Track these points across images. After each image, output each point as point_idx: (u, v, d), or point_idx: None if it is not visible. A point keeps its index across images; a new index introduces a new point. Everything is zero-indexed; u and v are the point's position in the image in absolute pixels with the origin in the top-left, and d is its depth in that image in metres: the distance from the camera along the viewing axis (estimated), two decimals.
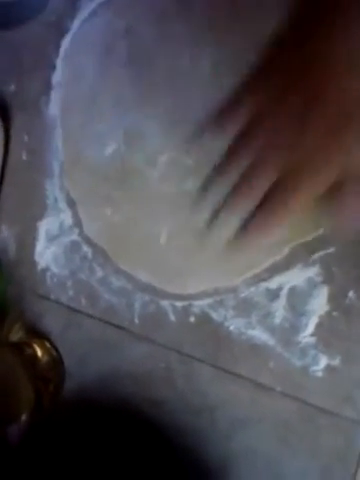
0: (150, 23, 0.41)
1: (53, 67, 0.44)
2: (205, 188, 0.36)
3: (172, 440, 0.40)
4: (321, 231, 0.35)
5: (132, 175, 0.41)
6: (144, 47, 0.40)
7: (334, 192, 0.30)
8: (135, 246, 0.41)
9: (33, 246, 0.46)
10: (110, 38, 0.42)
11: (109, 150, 0.42)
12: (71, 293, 0.44)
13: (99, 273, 0.43)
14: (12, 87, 0.46)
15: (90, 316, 0.43)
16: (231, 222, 0.35)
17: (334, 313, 0.34)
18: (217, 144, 0.36)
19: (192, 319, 0.39)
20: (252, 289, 0.37)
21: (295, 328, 0.35)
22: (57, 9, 0.44)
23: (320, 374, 0.35)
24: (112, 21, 0.42)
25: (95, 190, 0.43)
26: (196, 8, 0.39)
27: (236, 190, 0.33)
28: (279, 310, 0.36)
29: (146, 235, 0.40)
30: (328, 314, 0.34)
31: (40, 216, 0.45)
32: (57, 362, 0.45)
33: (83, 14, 0.43)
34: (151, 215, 0.40)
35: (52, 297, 0.45)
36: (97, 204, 0.43)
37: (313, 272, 0.35)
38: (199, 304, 0.39)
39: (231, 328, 0.37)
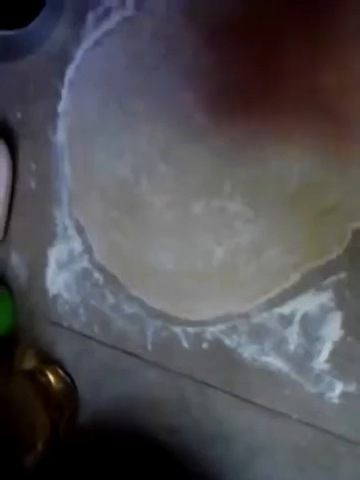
0: (154, 52, 0.41)
1: (59, 96, 0.45)
2: None
3: (188, 467, 0.40)
4: (333, 255, 0.34)
5: (139, 202, 0.41)
6: (148, 76, 0.40)
7: None
8: (146, 272, 0.41)
9: (44, 273, 0.46)
10: (114, 67, 0.42)
11: (116, 177, 0.42)
12: (83, 320, 0.44)
13: (111, 300, 0.43)
14: (18, 115, 0.47)
15: (103, 343, 0.43)
16: None
17: (348, 339, 0.34)
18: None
19: (205, 345, 0.39)
20: (265, 315, 0.36)
21: (309, 354, 0.35)
22: (61, 39, 0.45)
23: (336, 401, 0.34)
24: (116, 50, 0.42)
25: (104, 217, 0.43)
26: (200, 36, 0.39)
27: None
28: (293, 336, 0.35)
29: (156, 261, 0.40)
30: (342, 340, 0.34)
31: (50, 243, 0.45)
32: (71, 389, 0.45)
33: (87, 44, 0.44)
34: (159, 241, 0.40)
35: (64, 324, 0.45)
36: (106, 231, 0.43)
37: (326, 297, 0.34)
38: (212, 330, 0.38)
39: (245, 355, 0.37)
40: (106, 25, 0.43)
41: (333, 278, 0.34)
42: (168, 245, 0.40)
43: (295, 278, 0.35)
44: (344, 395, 0.34)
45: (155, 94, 0.40)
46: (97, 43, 0.44)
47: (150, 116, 0.40)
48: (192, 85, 0.39)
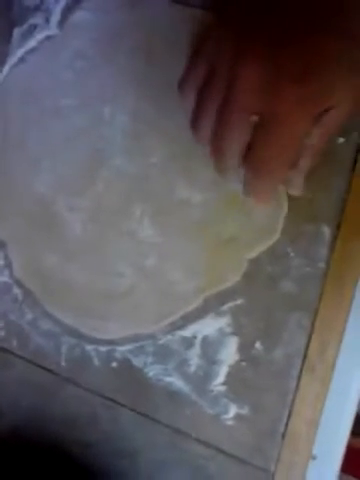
0: (76, 71, 0.41)
1: None
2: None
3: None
4: (231, 282, 0.35)
5: (56, 219, 0.41)
6: (66, 97, 0.41)
7: None
8: (61, 289, 0.42)
9: None
10: (36, 86, 0.42)
11: (36, 194, 0.42)
12: (3, 334, 0.44)
13: (29, 315, 0.43)
14: None
15: (21, 357, 0.44)
16: None
17: (243, 363, 0.35)
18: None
19: (114, 364, 0.39)
20: (169, 336, 0.37)
21: (208, 376, 0.36)
22: None
23: (231, 422, 0.35)
24: (38, 69, 0.42)
25: (23, 233, 0.43)
26: (120, 58, 0.40)
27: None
28: (193, 358, 0.36)
29: (70, 279, 0.41)
30: (237, 364, 0.35)
31: None
32: None
33: (12, 60, 0.44)
34: (75, 260, 0.41)
35: None
36: (26, 246, 0.43)
37: (224, 322, 0.35)
38: (121, 350, 0.39)
39: (150, 374, 0.38)
40: (31, 42, 0.43)
41: (230, 304, 0.35)
42: (83, 264, 0.41)
43: (196, 302, 0.36)
44: (238, 417, 0.35)
45: (73, 116, 0.41)
46: (22, 60, 0.44)
47: (68, 138, 0.41)
48: (108, 104, 0.40)
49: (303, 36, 0.26)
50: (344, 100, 0.27)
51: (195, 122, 0.30)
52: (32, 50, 0.43)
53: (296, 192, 0.32)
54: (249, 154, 0.29)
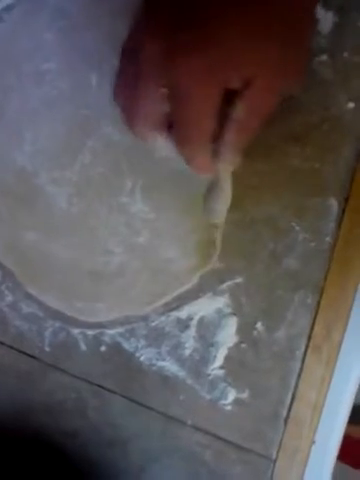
0: (57, 32, 0.38)
1: None
2: None
3: (85, 472, 0.39)
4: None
5: (38, 194, 0.38)
6: (48, 60, 0.37)
7: None
8: (44, 270, 0.39)
9: None
10: (15, 48, 0.39)
11: (16, 168, 0.39)
12: None
13: (9, 298, 0.40)
14: None
15: (1, 343, 0.41)
16: None
17: (242, 345, 0.33)
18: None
19: (103, 348, 0.37)
20: (163, 318, 0.35)
21: (205, 360, 0.34)
22: None
23: (229, 408, 0.33)
24: (16, 29, 0.39)
25: (3, 210, 0.40)
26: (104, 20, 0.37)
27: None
28: (189, 341, 0.34)
29: (54, 258, 0.38)
30: (237, 346, 0.33)
31: None
32: None
33: None
34: (59, 237, 0.38)
35: None
36: (5, 224, 0.40)
37: (222, 302, 0.33)
38: (110, 333, 0.37)
39: (142, 359, 0.36)
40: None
41: (229, 283, 0.33)
42: (68, 242, 0.38)
43: (192, 281, 0.34)
44: (237, 402, 0.33)
45: (56, 81, 0.38)
46: None
47: (51, 105, 0.38)
48: (95, 70, 0.37)
49: (201, 3, 0.25)
50: (263, 73, 0.26)
51: (114, 84, 0.30)
52: (9, 7, 0.40)
53: (227, 167, 0.30)
54: (171, 124, 0.28)
